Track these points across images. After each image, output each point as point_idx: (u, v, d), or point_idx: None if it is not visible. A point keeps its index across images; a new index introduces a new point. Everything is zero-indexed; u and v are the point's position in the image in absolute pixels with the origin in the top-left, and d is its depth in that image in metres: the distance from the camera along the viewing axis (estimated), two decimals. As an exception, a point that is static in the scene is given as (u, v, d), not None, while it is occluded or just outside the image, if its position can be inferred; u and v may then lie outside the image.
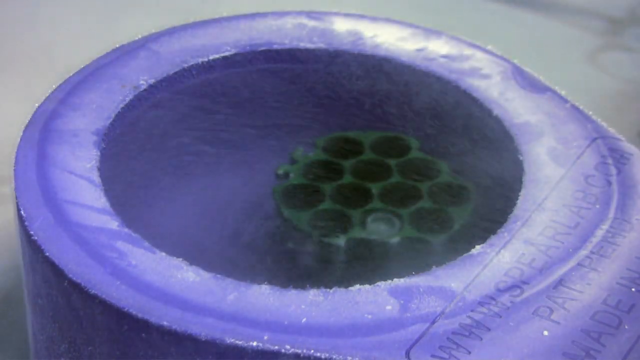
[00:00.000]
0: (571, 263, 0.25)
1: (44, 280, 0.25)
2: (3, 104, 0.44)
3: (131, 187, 0.31)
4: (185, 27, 0.35)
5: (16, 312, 0.31)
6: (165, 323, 0.23)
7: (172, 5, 0.52)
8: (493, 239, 0.26)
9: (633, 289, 0.25)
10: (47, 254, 0.25)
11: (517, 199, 0.28)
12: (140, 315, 0.23)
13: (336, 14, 0.35)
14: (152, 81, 0.31)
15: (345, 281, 0.25)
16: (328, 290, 0.24)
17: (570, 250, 0.26)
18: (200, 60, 0.33)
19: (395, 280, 0.24)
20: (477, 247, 0.26)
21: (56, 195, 0.27)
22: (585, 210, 0.27)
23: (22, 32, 0.50)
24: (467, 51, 0.35)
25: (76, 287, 0.24)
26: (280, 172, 0.33)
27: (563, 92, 0.33)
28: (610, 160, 0.29)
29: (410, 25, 0.36)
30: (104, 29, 0.50)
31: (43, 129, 0.29)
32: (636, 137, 0.44)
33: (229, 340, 0.22)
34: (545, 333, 0.23)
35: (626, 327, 0.24)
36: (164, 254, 0.25)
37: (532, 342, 0.23)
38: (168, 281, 0.24)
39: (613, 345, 0.23)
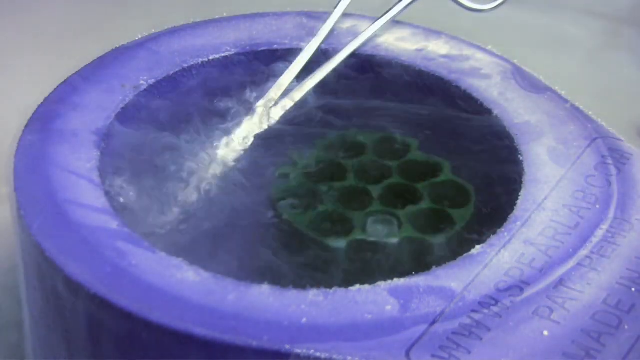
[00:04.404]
0: (571, 263, 0.25)
1: (44, 280, 0.25)
2: (3, 103, 0.44)
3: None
4: (185, 27, 0.35)
5: (15, 312, 0.31)
6: (165, 322, 0.23)
7: (173, 4, 0.52)
8: (493, 239, 0.26)
9: (633, 289, 0.25)
10: (47, 254, 0.25)
11: (517, 199, 0.28)
12: (140, 314, 0.23)
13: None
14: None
15: (345, 281, 0.25)
16: (328, 290, 0.24)
17: (570, 250, 0.26)
18: (200, 60, 0.33)
19: (395, 280, 0.24)
20: (477, 247, 0.26)
21: (56, 195, 0.27)
22: (585, 210, 0.27)
23: (22, 32, 0.50)
24: (467, 51, 0.35)
25: (76, 287, 0.24)
26: (281, 173, 0.33)
27: (563, 92, 0.33)
28: (610, 160, 0.29)
29: (410, 25, 0.36)
30: (104, 29, 0.50)
31: (43, 129, 0.29)
32: (636, 137, 0.44)
33: (229, 340, 0.22)
34: (545, 333, 0.23)
35: (626, 327, 0.24)
36: (164, 253, 0.25)
37: (532, 342, 0.23)
38: (168, 281, 0.24)
39: (613, 345, 0.23)
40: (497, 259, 0.25)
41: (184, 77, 0.33)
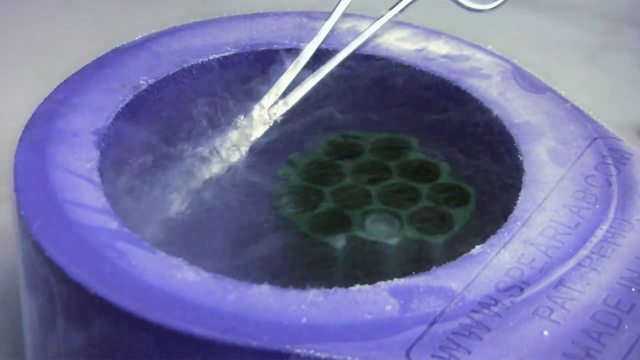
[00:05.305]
0: (571, 263, 0.25)
1: (43, 280, 0.25)
2: (3, 103, 0.44)
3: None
4: (185, 27, 0.35)
5: (14, 312, 0.31)
6: (165, 323, 0.23)
7: (173, 4, 0.52)
8: (493, 239, 0.26)
9: (633, 289, 0.25)
10: (47, 254, 0.25)
11: (517, 199, 0.28)
12: (140, 315, 0.23)
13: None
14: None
15: (345, 281, 0.25)
16: (328, 290, 0.24)
17: (570, 250, 0.26)
18: (200, 60, 0.33)
19: (395, 280, 0.24)
20: (477, 247, 0.26)
21: (56, 195, 0.27)
22: (585, 210, 0.27)
23: (22, 32, 0.50)
24: (467, 51, 0.35)
25: (76, 287, 0.24)
26: (281, 173, 0.33)
27: (563, 92, 0.33)
28: (610, 160, 0.29)
29: (410, 25, 0.36)
30: (104, 29, 0.50)
31: (43, 129, 0.29)
32: (636, 137, 0.44)
33: (229, 340, 0.22)
34: (545, 333, 0.23)
35: (626, 327, 0.24)
36: (164, 254, 0.25)
37: (532, 342, 0.23)
38: (168, 281, 0.24)
39: (613, 345, 0.23)
40: (497, 259, 0.25)
41: (184, 77, 0.33)
